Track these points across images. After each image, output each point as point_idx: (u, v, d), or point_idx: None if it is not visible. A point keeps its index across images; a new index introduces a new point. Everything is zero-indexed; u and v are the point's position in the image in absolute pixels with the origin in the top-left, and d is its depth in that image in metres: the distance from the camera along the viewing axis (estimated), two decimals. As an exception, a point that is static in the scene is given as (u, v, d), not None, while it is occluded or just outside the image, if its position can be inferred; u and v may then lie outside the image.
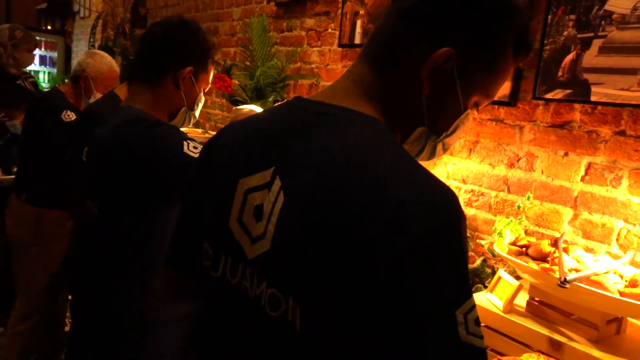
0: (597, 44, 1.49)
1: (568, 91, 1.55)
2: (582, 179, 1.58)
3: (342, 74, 0.79)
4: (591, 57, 1.50)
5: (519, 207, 1.72)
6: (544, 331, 1.32)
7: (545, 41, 1.61)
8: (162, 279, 1.22)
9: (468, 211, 1.91)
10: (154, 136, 1.26)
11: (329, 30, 2.59)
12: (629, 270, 1.30)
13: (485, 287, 1.63)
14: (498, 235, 1.53)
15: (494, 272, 1.72)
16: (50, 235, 2.40)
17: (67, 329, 2.66)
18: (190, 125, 1.66)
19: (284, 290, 0.67)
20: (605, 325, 1.29)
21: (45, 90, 3.00)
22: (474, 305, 0.60)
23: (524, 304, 1.44)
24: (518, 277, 1.50)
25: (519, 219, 1.68)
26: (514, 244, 1.49)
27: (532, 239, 1.48)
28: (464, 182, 1.93)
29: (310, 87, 2.74)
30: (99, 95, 2.40)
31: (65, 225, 2.39)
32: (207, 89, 1.53)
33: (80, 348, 1.56)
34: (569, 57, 1.55)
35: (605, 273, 1.27)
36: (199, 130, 3.20)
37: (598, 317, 1.28)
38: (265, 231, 0.69)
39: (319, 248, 0.63)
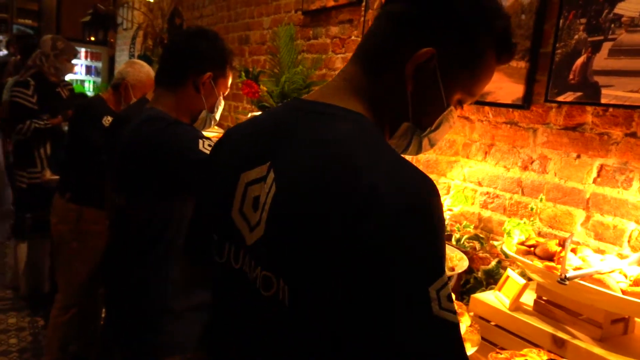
0: (607, 46, 1.50)
1: (579, 94, 1.57)
2: (594, 181, 1.59)
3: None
4: (601, 60, 1.52)
5: (532, 209, 1.74)
6: (548, 329, 1.34)
7: (557, 45, 1.63)
8: (180, 269, 1.32)
9: (483, 213, 1.94)
10: (172, 133, 1.36)
11: (352, 37, 2.66)
12: (634, 270, 1.31)
13: (498, 287, 1.66)
14: (507, 235, 1.56)
15: (507, 273, 1.74)
16: (89, 233, 2.56)
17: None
18: (214, 127, 1.76)
19: (275, 272, 0.74)
20: (609, 325, 1.30)
21: (89, 97, 3.18)
22: (446, 282, 0.65)
23: (532, 303, 1.47)
24: (529, 279, 1.52)
25: (532, 221, 1.70)
26: (522, 243, 1.52)
27: (541, 240, 1.51)
28: (479, 184, 1.96)
29: (334, 92, 2.81)
30: (136, 102, 2.57)
31: (103, 223, 2.55)
32: (227, 93, 1.63)
33: (108, 338, 1.68)
34: (580, 60, 1.57)
35: (609, 272, 1.29)
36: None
37: (602, 316, 1.29)
38: (260, 219, 0.76)
39: (303, 232, 0.70)
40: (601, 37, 1.52)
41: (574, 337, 1.31)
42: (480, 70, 0.82)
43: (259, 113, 1.76)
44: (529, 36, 1.72)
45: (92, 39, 6.96)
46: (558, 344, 1.31)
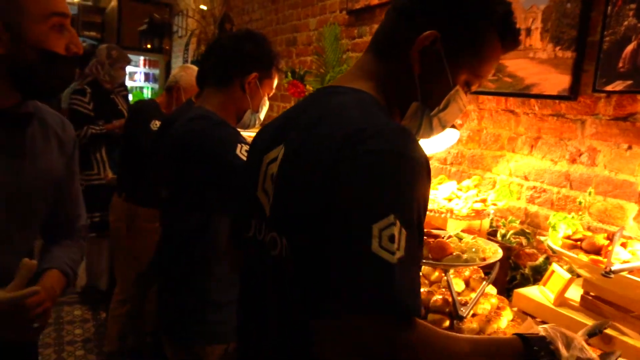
0: (658, 32, 1.44)
1: (629, 82, 1.51)
2: (647, 173, 1.52)
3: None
4: (653, 46, 1.45)
5: (580, 203, 1.68)
6: (595, 324, 1.29)
7: (605, 32, 1.57)
8: (228, 255, 1.38)
9: (530, 208, 1.89)
10: (214, 134, 1.43)
11: (396, 34, 2.66)
12: (688, 265, 1.24)
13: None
14: (552, 229, 1.52)
15: (554, 269, 1.68)
16: (144, 230, 2.68)
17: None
18: (258, 126, 1.82)
19: (278, 231, 0.83)
20: (661, 321, 1.25)
21: (143, 100, 3.32)
22: (392, 224, 0.67)
23: (578, 299, 1.42)
24: (578, 276, 1.48)
25: (581, 215, 1.65)
26: (569, 237, 1.47)
27: (588, 233, 1.46)
28: (526, 179, 1.91)
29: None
30: (188, 105, 2.67)
31: (156, 221, 2.67)
32: (272, 93, 1.68)
33: (159, 329, 1.77)
34: (630, 47, 1.51)
35: (660, 266, 1.23)
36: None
37: (653, 312, 1.24)
38: (272, 190, 0.86)
39: (296, 189, 0.79)
40: (652, 22, 1.45)
41: (622, 333, 1.26)
42: (484, 53, 0.88)
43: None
44: (575, 25, 1.67)
45: (149, 46, 7.28)
46: (605, 341, 1.26)
